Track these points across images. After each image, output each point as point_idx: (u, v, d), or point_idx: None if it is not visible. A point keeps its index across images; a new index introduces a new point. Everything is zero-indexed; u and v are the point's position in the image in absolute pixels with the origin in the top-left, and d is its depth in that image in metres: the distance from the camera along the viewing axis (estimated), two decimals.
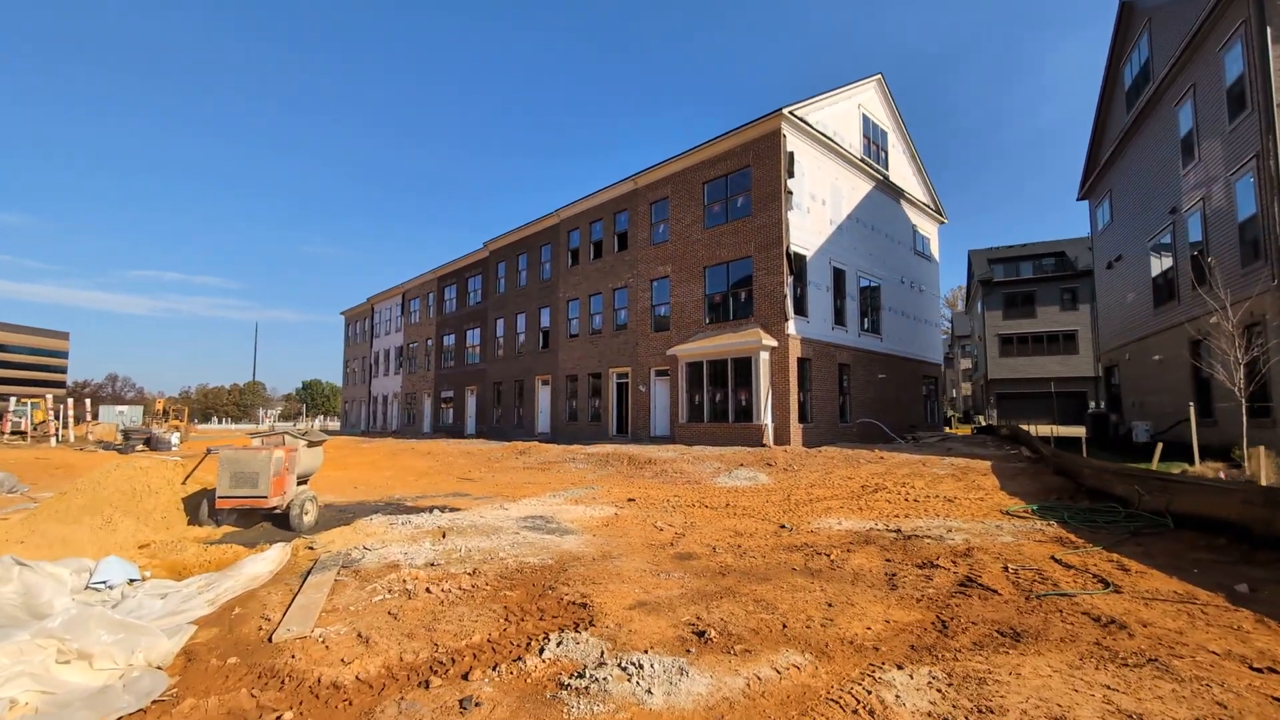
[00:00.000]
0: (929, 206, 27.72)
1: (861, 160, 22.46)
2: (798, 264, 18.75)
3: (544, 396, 27.40)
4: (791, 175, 18.87)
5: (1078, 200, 26.70)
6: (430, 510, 9.67)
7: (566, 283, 26.32)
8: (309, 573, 5.56)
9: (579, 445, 20.35)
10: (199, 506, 8.04)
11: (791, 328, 18.26)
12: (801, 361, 18.66)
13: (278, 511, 7.98)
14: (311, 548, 6.57)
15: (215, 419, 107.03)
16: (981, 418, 44.60)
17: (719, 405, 19.07)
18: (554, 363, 26.58)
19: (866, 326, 22.42)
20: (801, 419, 18.45)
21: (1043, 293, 45.69)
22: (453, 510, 9.72)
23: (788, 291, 18.43)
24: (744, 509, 9.60)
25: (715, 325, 20.08)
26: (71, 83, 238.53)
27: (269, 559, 5.78)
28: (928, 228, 28.03)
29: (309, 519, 8.20)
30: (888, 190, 24.49)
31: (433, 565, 5.81)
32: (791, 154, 18.88)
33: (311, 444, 9.15)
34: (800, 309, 18.84)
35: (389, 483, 13.92)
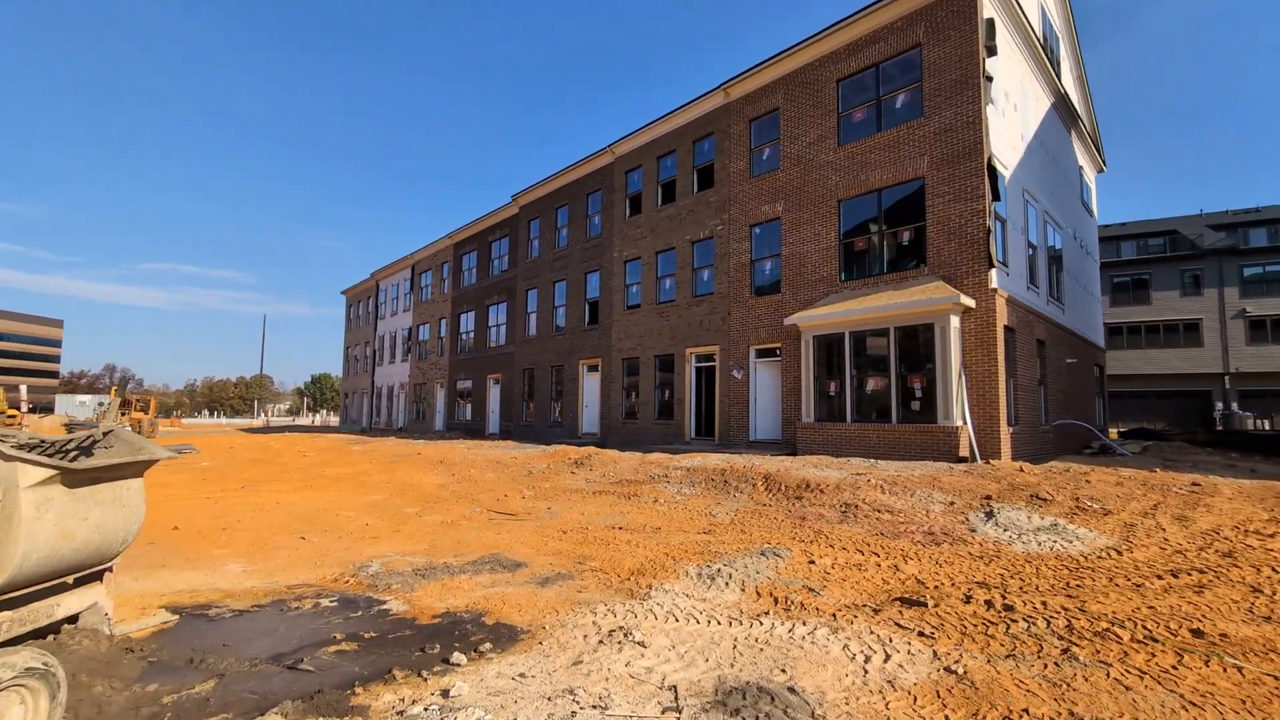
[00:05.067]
0: (1094, 145, 21.26)
1: (1048, 59, 16.08)
2: (995, 187, 12.43)
3: (591, 386, 21.21)
4: (993, 52, 12.55)
5: None
6: (442, 646, 3.44)
7: (623, 239, 20.11)
8: None
9: (659, 453, 14.14)
10: None
11: (995, 280, 11.96)
12: (1007, 332, 12.36)
13: None
14: None
15: (218, 413, 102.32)
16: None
17: (875, 398, 12.78)
18: (605, 343, 20.39)
19: (1053, 292, 16.05)
20: (1009, 420, 12.13)
21: (1159, 276, 38.99)
22: (497, 639, 3.50)
23: (991, 225, 12.11)
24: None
25: (859, 282, 13.79)
26: (96, 69, 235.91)
27: None
28: (1089, 174, 21.57)
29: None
30: (1063, 112, 18.08)
31: None
32: (991, 20, 12.57)
33: (97, 475, 2.97)
34: (1000, 255, 12.54)
35: (369, 523, 7.75)
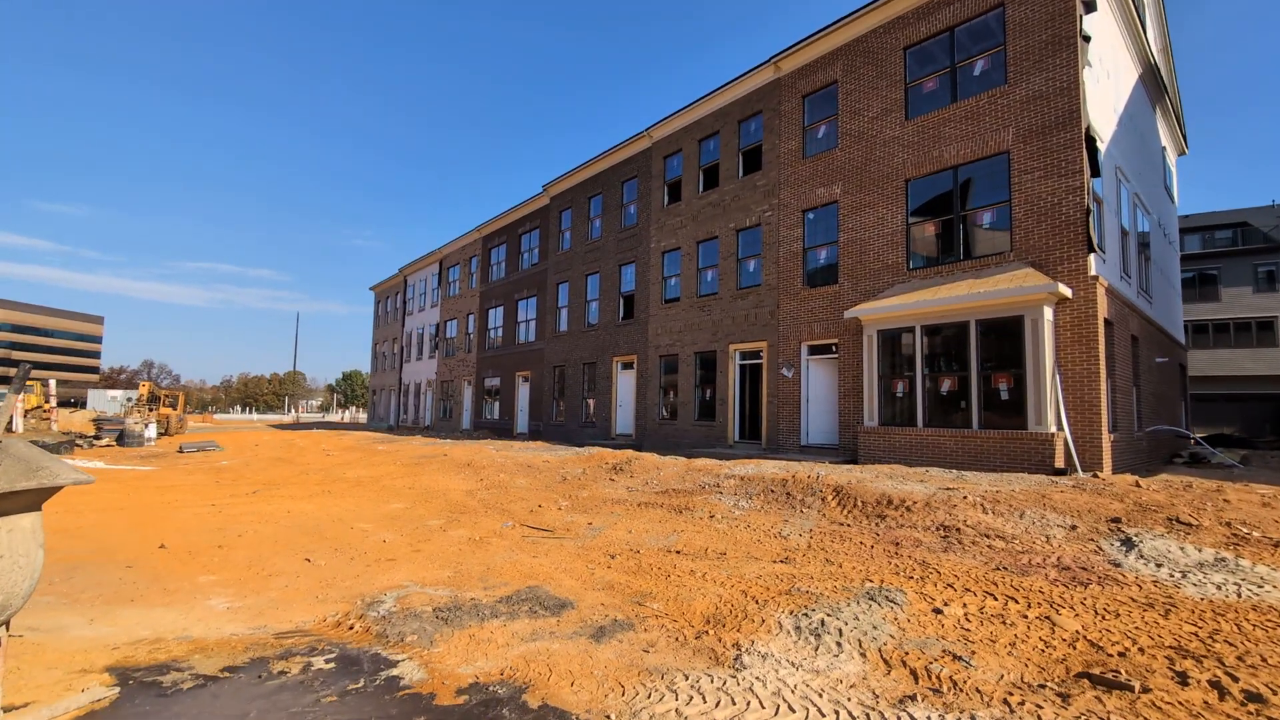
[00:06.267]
0: (1178, 124, 19.34)
1: (1139, 23, 14.39)
2: (1095, 161, 10.88)
3: (625, 385, 20.06)
4: (1092, 8, 11.02)
5: None
6: None
7: (661, 228, 18.90)
8: None
9: (704, 459, 12.91)
10: None
11: (1093, 266, 10.45)
12: (1106, 326, 10.82)
13: None
14: None
15: (251, 409, 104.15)
16: None
17: (950, 400, 11.35)
18: (641, 339, 19.22)
19: (1143, 284, 14.36)
20: (1110, 426, 10.60)
21: (1229, 270, 36.34)
22: None
23: (1092, 205, 10.60)
24: None
25: (930, 270, 12.36)
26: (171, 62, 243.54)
27: None
28: (1171, 155, 19.64)
29: None
30: (1150, 85, 16.32)
31: None
32: None
33: None
34: (1098, 240, 11.01)
35: (387, 540, 6.67)
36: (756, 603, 4.67)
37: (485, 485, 11.08)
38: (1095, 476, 9.32)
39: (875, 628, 4.12)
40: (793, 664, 3.58)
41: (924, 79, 12.87)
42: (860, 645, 3.85)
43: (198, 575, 5.33)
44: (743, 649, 3.78)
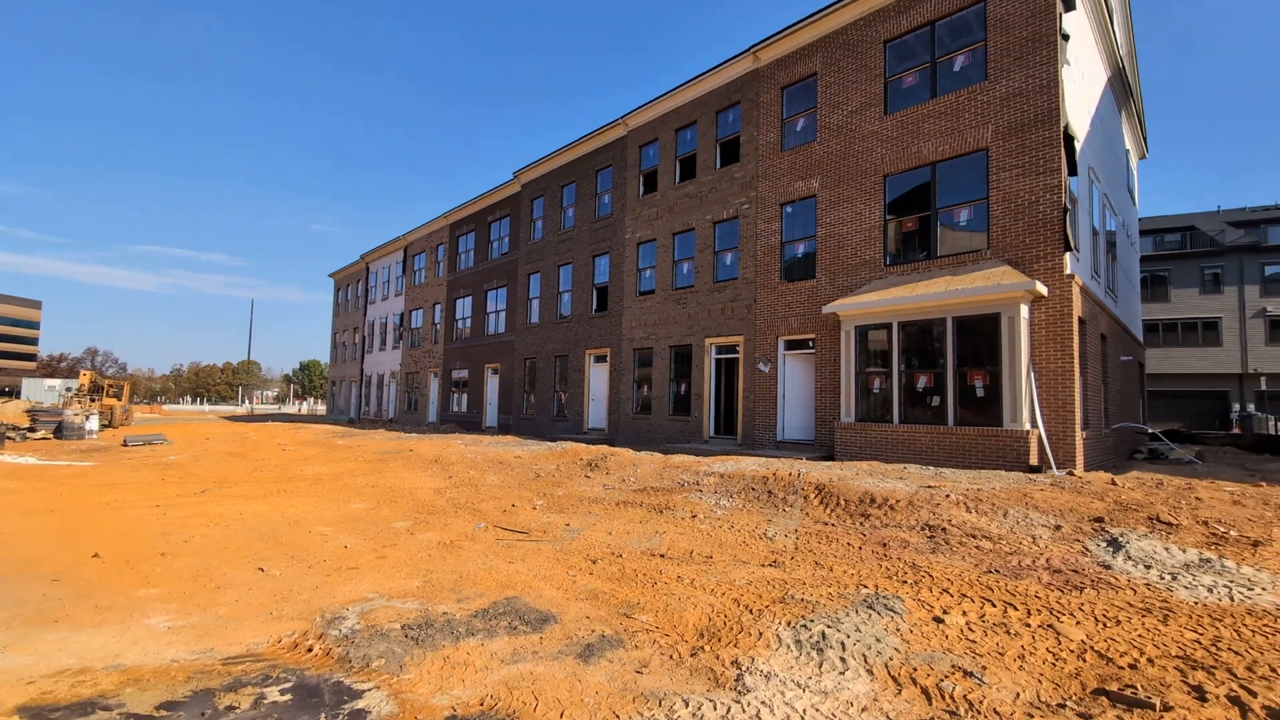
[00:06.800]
0: (1140, 128, 19.86)
1: (1111, 28, 14.62)
2: (1072, 160, 10.96)
3: (598, 378, 19.68)
4: (1071, 6, 11.06)
5: None
6: None
7: (637, 219, 18.53)
8: None
9: (682, 455, 12.66)
10: None
11: (1069, 264, 10.54)
12: (1079, 325, 10.94)
13: None
14: None
15: (203, 399, 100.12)
16: None
17: (927, 397, 11.35)
18: (615, 331, 18.86)
19: (1110, 283, 14.67)
20: (1082, 423, 10.74)
21: (1178, 273, 37.90)
22: None
23: (1069, 203, 10.68)
24: None
25: (907, 266, 12.33)
26: (97, 43, 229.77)
27: None
28: (1133, 158, 20.18)
29: None
30: (1117, 88, 16.66)
31: None
32: None
33: None
34: (1073, 238, 11.11)
35: (349, 545, 6.19)
36: (751, 613, 4.42)
37: (454, 483, 10.62)
38: (1071, 474, 9.40)
39: (879, 640, 3.91)
40: (798, 685, 3.33)
41: (904, 73, 12.79)
42: (866, 661, 3.63)
43: (136, 589, 4.81)
44: (743, 668, 3.52)
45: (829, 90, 13.89)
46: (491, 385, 24.81)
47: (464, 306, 27.02)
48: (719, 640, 3.96)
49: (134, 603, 4.51)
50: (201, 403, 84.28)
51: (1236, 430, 29.94)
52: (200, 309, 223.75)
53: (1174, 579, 5.25)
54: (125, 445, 17.82)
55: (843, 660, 3.65)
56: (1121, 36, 17.75)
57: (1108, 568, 5.59)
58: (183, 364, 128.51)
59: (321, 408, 65.92)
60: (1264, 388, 34.57)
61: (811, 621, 4.20)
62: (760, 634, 4.02)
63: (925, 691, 3.28)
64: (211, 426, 27.29)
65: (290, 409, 68.79)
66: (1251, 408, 34.92)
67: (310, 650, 3.75)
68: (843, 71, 13.68)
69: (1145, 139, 20.53)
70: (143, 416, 37.56)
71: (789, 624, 4.18)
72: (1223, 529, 6.61)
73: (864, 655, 3.70)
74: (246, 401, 78.06)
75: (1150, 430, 15.58)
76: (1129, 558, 5.81)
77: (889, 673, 3.49)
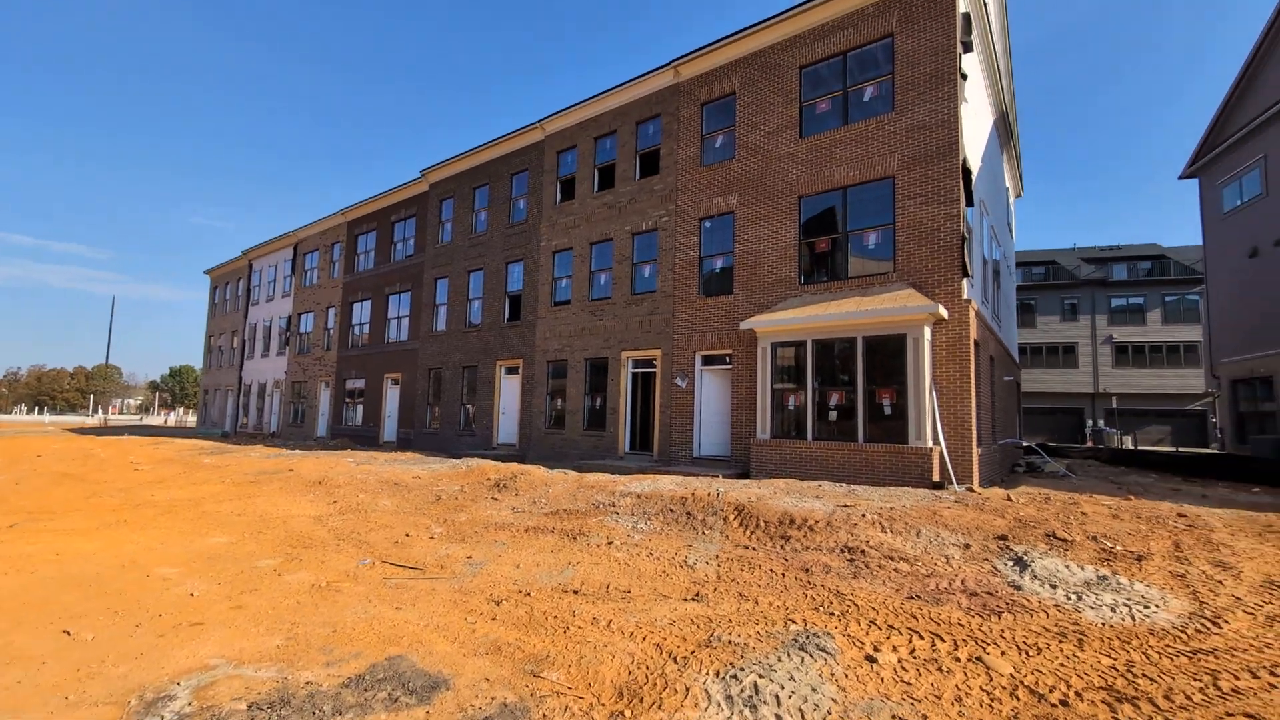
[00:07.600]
0: (1018, 169, 21.83)
1: (999, 73, 15.88)
2: (969, 192, 11.64)
3: (509, 391, 18.72)
4: (969, 48, 11.78)
5: (1182, 178, 21.83)
6: None
7: (553, 227, 17.89)
8: None
9: (598, 473, 12.10)
10: None
11: (967, 290, 11.12)
12: (975, 347, 11.55)
13: None
14: None
15: (46, 409, 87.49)
16: None
17: (839, 414, 11.54)
18: (528, 342, 18.04)
19: (995, 309, 15.79)
20: (979, 440, 11.29)
21: (1042, 302, 42.26)
22: None
23: (966, 232, 11.27)
24: None
25: (820, 285, 12.58)
26: None
27: None
28: (1012, 197, 22.12)
29: None
30: (1001, 130, 18.15)
31: None
32: (967, 15, 11.82)
33: None
34: (969, 265, 11.77)
35: (196, 592, 5.09)
36: (676, 662, 3.96)
37: (340, 509, 9.45)
38: (970, 490, 9.79)
39: (814, 690, 3.57)
40: None
41: (818, 99, 13.15)
42: (804, 717, 3.27)
43: None
44: None
45: (747, 110, 14.04)
46: (391, 397, 23.06)
47: (362, 311, 25.06)
48: (640, 700, 3.46)
49: None
50: (43, 412, 73.38)
51: (1090, 444, 33.57)
52: (48, 306, 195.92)
53: (1079, 599, 5.35)
54: None
55: (779, 719, 3.26)
56: (1005, 84, 19.43)
57: (1018, 588, 5.64)
58: (20, 367, 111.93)
59: (192, 419, 59.12)
60: (1114, 406, 39.02)
61: (742, 671, 3.80)
62: (687, 689, 3.57)
63: None
64: (49, 441, 23.43)
65: (155, 420, 61.28)
66: (1102, 423, 39.39)
67: None
68: (761, 93, 13.88)
69: (1021, 178, 22.62)
70: None
71: (718, 674, 3.75)
72: (1109, 544, 6.95)
73: (800, 711, 3.33)
74: (100, 411, 68.78)
75: (1026, 445, 16.87)
76: (1035, 577, 5.92)
77: None
